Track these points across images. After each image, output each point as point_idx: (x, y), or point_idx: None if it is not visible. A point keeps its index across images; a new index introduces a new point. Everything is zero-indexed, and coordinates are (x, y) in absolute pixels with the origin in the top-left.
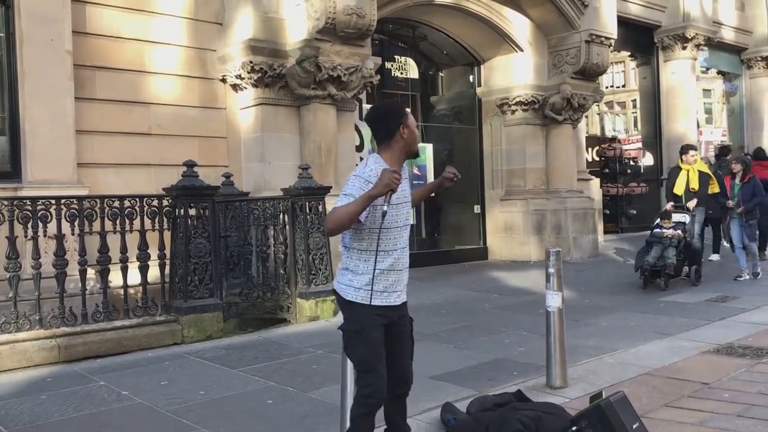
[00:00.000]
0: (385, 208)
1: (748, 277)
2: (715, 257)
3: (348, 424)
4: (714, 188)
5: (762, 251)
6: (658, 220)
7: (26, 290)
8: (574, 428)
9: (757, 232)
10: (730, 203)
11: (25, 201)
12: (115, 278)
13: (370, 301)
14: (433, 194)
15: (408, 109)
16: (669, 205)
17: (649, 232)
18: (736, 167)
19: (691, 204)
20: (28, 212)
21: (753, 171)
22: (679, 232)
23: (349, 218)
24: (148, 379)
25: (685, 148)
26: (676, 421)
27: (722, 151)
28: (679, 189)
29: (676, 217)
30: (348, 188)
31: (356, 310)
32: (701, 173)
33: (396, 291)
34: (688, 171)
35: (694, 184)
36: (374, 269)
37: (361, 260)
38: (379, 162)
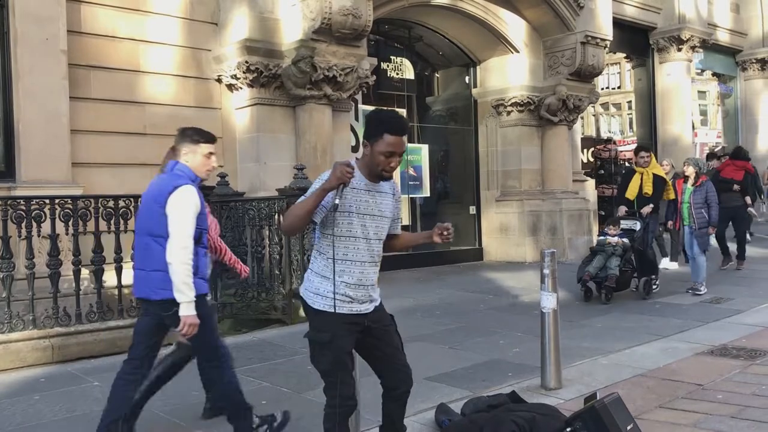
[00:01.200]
0: (336, 201)
1: (704, 290)
2: (672, 265)
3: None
4: (670, 194)
5: (740, 260)
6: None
7: (20, 290)
8: (568, 429)
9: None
10: (669, 224)
11: (19, 201)
12: (110, 278)
13: (335, 310)
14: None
15: (389, 134)
16: (621, 211)
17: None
18: (688, 170)
19: (645, 210)
20: (22, 212)
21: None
22: (625, 240)
23: (303, 212)
24: None
25: (637, 149)
26: (670, 423)
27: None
28: (631, 193)
29: (626, 223)
30: (310, 189)
31: (322, 318)
32: (656, 177)
33: (364, 300)
34: (642, 174)
35: (648, 189)
36: (334, 279)
37: (324, 267)
38: (353, 166)
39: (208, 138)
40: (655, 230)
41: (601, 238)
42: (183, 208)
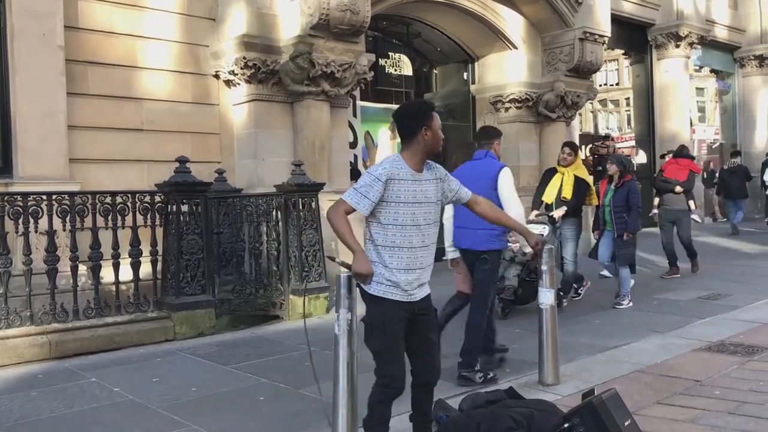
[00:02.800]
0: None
1: (629, 304)
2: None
3: (340, 420)
4: (592, 200)
5: (693, 259)
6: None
7: (17, 286)
8: (566, 425)
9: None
10: (596, 234)
11: (16, 196)
12: (107, 274)
13: (391, 296)
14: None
15: (434, 111)
16: (533, 214)
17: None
18: (612, 168)
19: (557, 213)
20: (19, 208)
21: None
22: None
23: (339, 235)
24: (139, 376)
25: (563, 145)
26: (667, 418)
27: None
28: (548, 197)
29: (533, 228)
30: (359, 182)
31: (377, 303)
32: (577, 179)
33: (416, 287)
34: (563, 175)
35: (567, 193)
36: (391, 266)
37: (380, 255)
38: (396, 162)
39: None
40: (575, 240)
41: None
42: (510, 181)
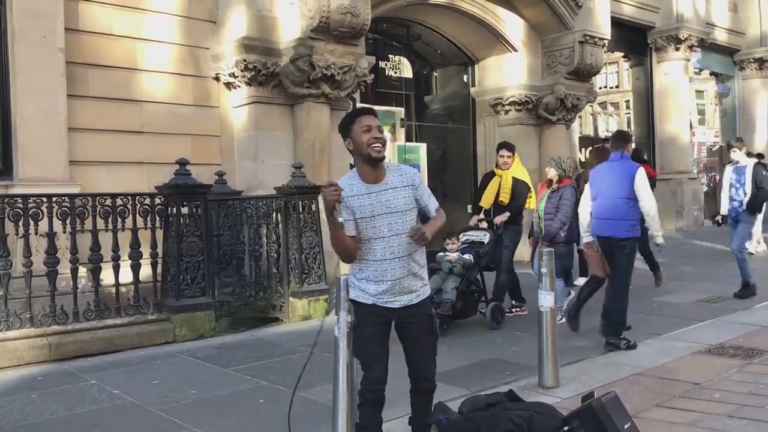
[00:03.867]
0: (340, 219)
1: (561, 320)
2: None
3: (340, 423)
4: (532, 203)
5: (656, 272)
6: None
7: (17, 288)
8: (565, 428)
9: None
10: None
11: (16, 199)
12: (107, 277)
13: (363, 300)
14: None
15: (360, 115)
16: (473, 220)
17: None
18: (550, 172)
19: (498, 219)
20: (19, 210)
21: None
22: (466, 256)
23: (338, 242)
24: (139, 378)
25: (499, 147)
26: (667, 421)
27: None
28: (486, 201)
29: (473, 235)
30: None
31: (356, 307)
32: (516, 182)
33: (393, 295)
34: (501, 178)
35: (504, 197)
36: (360, 277)
37: (352, 266)
38: (349, 178)
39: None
40: (513, 245)
41: (440, 254)
42: (645, 179)
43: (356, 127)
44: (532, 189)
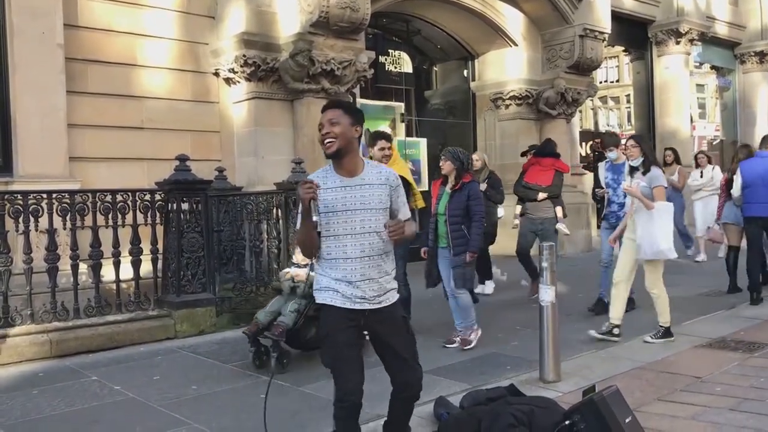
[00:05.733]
0: (314, 218)
1: (475, 338)
2: (487, 288)
3: None
4: (418, 201)
5: (534, 281)
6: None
7: (18, 285)
8: (567, 422)
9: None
10: (423, 252)
11: (16, 195)
12: (108, 273)
13: (332, 302)
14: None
15: (323, 112)
16: None
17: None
18: (446, 166)
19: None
20: (19, 206)
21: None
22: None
23: (305, 238)
24: (140, 374)
25: (374, 138)
26: (668, 415)
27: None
28: None
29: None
30: None
31: (323, 312)
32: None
33: (358, 298)
34: None
35: None
36: (330, 277)
37: (320, 265)
38: (323, 170)
39: None
40: (405, 254)
41: (284, 270)
42: None
43: (321, 123)
44: (415, 186)
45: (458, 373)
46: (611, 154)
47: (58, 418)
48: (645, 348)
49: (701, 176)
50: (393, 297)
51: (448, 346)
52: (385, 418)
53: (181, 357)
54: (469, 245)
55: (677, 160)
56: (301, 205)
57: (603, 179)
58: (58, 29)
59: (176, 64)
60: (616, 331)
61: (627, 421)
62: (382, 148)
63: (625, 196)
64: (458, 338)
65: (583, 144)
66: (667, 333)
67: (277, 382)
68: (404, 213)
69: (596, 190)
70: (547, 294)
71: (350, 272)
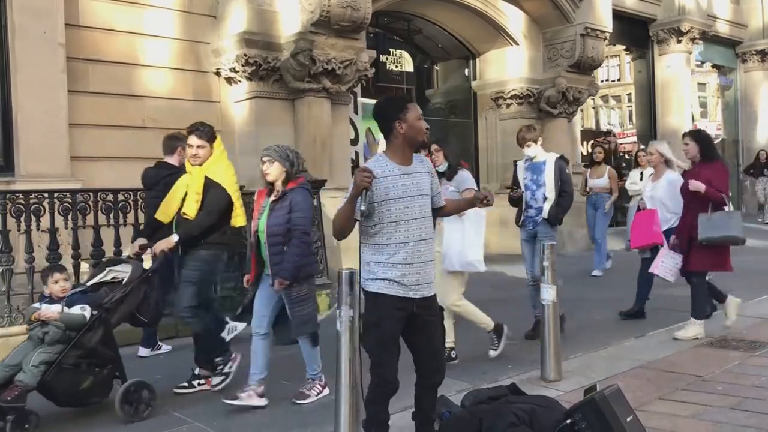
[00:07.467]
0: (362, 207)
1: (320, 394)
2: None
3: (342, 418)
4: (240, 218)
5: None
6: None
7: (19, 284)
8: (568, 421)
9: None
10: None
11: (17, 194)
12: None
13: (386, 291)
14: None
15: (410, 103)
16: (135, 245)
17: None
18: (273, 171)
19: (161, 246)
20: (21, 206)
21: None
22: (77, 310)
23: (343, 220)
24: (141, 374)
25: (190, 130)
26: (670, 414)
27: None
28: (163, 212)
29: (120, 270)
30: (349, 189)
31: (375, 301)
32: (210, 184)
33: (414, 284)
34: (190, 177)
35: (190, 207)
36: (387, 262)
37: (375, 253)
38: (378, 160)
39: None
40: (202, 281)
41: (34, 305)
42: None
43: (412, 114)
44: (236, 197)
45: (460, 372)
46: (529, 151)
47: (59, 415)
48: (646, 347)
49: (641, 178)
50: (434, 287)
51: (297, 401)
52: (413, 409)
53: (182, 356)
54: (281, 269)
55: (606, 160)
56: (352, 189)
57: (522, 179)
58: (59, 29)
59: (177, 64)
60: (453, 354)
61: (628, 420)
62: (191, 145)
63: (543, 200)
64: (312, 396)
65: (584, 143)
66: (499, 334)
67: (279, 380)
68: (439, 201)
69: (512, 191)
70: (548, 293)
71: (412, 254)
